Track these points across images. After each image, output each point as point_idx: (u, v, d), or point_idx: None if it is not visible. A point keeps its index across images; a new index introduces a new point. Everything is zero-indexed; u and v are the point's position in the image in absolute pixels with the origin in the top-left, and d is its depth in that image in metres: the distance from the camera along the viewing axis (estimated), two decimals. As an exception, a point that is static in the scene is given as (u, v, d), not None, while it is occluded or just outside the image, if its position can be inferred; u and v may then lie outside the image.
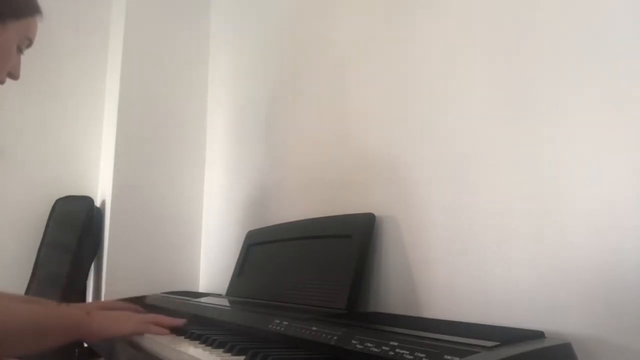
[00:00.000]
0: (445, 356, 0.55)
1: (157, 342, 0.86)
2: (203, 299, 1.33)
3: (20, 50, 1.00)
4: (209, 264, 1.93)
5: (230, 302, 1.27)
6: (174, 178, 1.98)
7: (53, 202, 2.04)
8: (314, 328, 0.76)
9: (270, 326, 0.85)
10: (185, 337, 0.89)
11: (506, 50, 0.84)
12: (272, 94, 1.59)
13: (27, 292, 1.88)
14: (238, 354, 0.72)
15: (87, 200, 1.97)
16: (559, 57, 0.75)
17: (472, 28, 0.91)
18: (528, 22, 0.81)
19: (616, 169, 0.67)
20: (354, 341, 0.67)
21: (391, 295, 0.99)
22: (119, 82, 1.95)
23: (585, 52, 0.72)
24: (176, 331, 0.95)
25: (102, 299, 1.81)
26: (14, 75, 1.02)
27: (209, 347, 0.78)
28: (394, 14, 1.10)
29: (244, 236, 1.48)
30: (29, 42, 1.02)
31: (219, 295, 1.48)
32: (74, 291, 1.83)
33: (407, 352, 0.59)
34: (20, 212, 2.02)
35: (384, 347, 0.62)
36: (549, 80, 0.76)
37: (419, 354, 0.57)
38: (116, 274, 1.83)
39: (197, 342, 0.84)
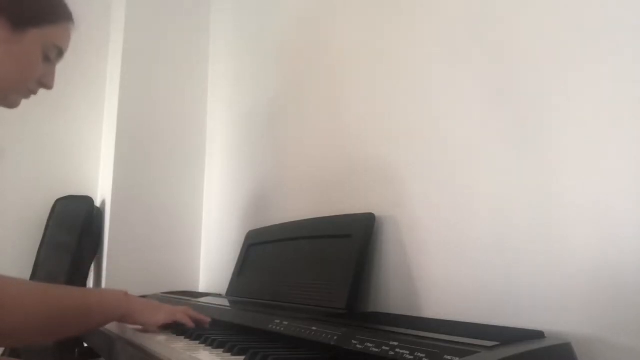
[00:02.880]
0: (445, 356, 0.55)
1: (157, 341, 0.86)
2: (203, 299, 1.33)
3: (48, 59, 0.93)
4: (209, 264, 1.93)
5: (230, 302, 1.27)
6: (174, 178, 1.98)
7: (53, 202, 2.04)
8: (314, 328, 0.76)
9: (270, 326, 0.85)
10: (185, 337, 0.89)
11: (503, 48, 0.84)
12: (272, 94, 1.59)
13: (27, 292, 1.88)
14: (238, 354, 0.72)
15: (87, 200, 1.97)
16: (557, 53, 0.75)
17: (467, 30, 0.91)
18: (525, 20, 0.81)
19: (616, 168, 0.66)
20: (354, 341, 0.67)
21: (391, 295, 0.99)
22: (119, 82, 1.95)
23: (583, 48, 0.72)
24: (176, 331, 0.95)
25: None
26: (46, 85, 0.95)
27: (209, 347, 0.78)
28: (393, 20, 1.10)
29: (244, 236, 1.48)
30: (59, 51, 0.94)
31: (219, 295, 1.48)
32: (74, 291, 1.83)
33: (407, 352, 0.59)
34: (20, 212, 2.02)
35: (384, 347, 0.62)
36: (547, 77, 0.76)
37: (419, 354, 0.57)
38: (116, 274, 1.83)
39: (197, 342, 0.84)
